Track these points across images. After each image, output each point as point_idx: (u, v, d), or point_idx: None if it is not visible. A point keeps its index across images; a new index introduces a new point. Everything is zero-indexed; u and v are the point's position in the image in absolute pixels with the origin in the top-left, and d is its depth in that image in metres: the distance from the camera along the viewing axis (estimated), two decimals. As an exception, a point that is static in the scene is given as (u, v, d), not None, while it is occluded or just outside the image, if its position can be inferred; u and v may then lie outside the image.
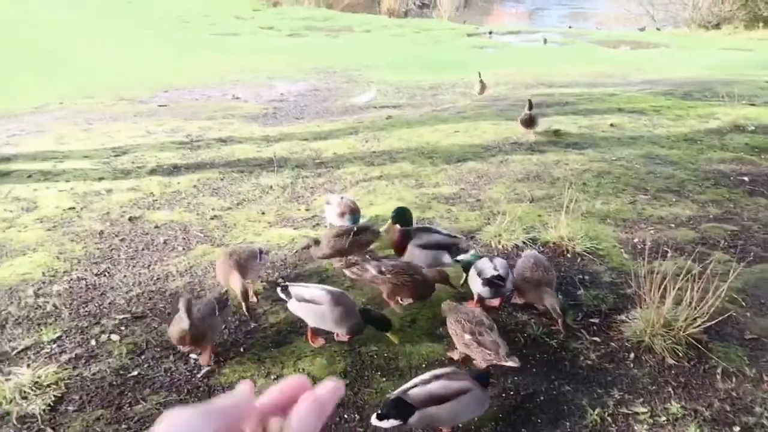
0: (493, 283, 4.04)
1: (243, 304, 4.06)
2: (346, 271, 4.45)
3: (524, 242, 5.35)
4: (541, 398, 3.52)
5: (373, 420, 3.05)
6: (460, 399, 3.04)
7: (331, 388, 0.80)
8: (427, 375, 3.19)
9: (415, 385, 3.10)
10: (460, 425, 3.28)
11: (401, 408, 2.99)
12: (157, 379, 3.68)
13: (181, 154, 8.07)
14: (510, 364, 3.36)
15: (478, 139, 8.71)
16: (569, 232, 5.37)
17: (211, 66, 16.21)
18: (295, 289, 3.98)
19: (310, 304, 3.84)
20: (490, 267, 4.15)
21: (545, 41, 21.34)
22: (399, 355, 3.90)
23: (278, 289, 4.08)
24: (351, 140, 8.80)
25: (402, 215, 4.74)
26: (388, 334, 3.78)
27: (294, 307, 3.94)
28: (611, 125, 9.51)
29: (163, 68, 15.86)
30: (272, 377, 3.68)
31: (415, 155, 8.03)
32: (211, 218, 6.03)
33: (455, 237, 4.88)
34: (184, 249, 5.38)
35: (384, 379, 3.68)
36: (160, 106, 11.93)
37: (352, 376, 3.71)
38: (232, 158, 7.95)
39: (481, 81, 11.97)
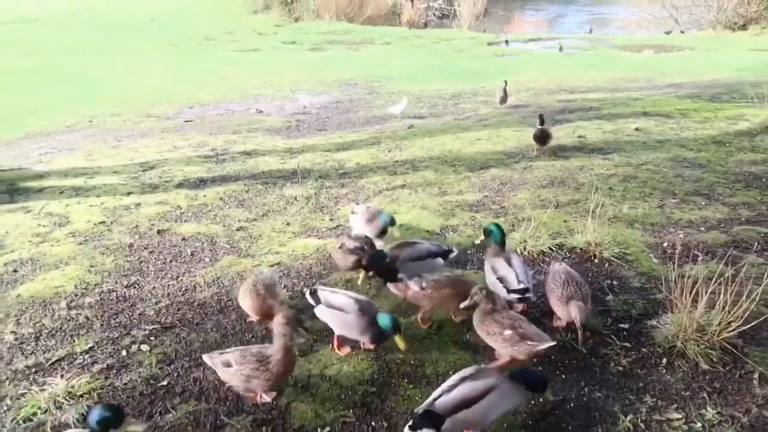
0: (521, 297, 4.07)
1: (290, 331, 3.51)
2: (390, 287, 4.35)
3: (551, 248, 5.29)
4: (571, 405, 3.46)
5: (406, 431, 3.01)
6: (488, 398, 3.04)
7: None
8: (453, 379, 3.17)
9: (442, 394, 3.08)
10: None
11: (432, 419, 2.97)
12: (186, 388, 3.72)
13: (207, 168, 8.20)
14: (549, 343, 3.48)
15: (500, 146, 8.67)
16: (596, 238, 5.30)
17: (235, 81, 16.49)
18: (324, 294, 3.99)
19: (337, 311, 3.86)
20: (513, 275, 4.13)
21: (561, 48, 21.10)
22: (426, 362, 3.88)
23: (307, 294, 4.10)
24: (373, 150, 8.84)
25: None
26: (395, 338, 3.69)
27: (321, 312, 3.95)
28: (636, 129, 9.39)
29: (189, 85, 16.18)
30: (299, 386, 3.69)
31: (437, 163, 8.03)
32: (237, 229, 6.10)
33: (441, 246, 4.83)
34: (211, 260, 5.45)
35: (411, 386, 3.66)
36: (186, 121, 12.16)
37: (379, 383, 3.70)
38: (256, 170, 8.05)
39: (505, 90, 11.73)
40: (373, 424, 3.38)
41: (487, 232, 4.49)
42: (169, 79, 16.73)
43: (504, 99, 11.81)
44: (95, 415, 2.80)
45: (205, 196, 7.09)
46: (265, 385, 3.39)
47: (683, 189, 6.78)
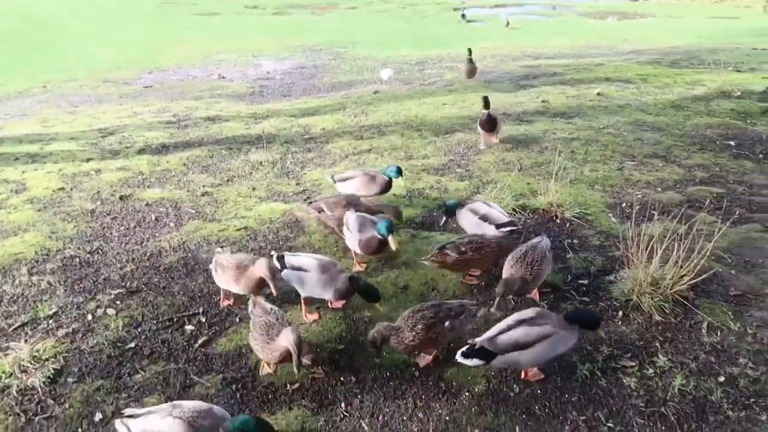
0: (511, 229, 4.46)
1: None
2: (426, 261, 4.33)
3: (514, 209, 5.40)
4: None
5: (458, 356, 3.20)
6: (541, 345, 3.19)
7: None
8: (512, 319, 3.31)
9: (500, 332, 3.24)
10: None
11: (484, 353, 3.18)
12: (155, 350, 3.72)
13: (169, 134, 8.03)
14: None
15: (466, 111, 8.72)
16: (558, 199, 5.43)
17: (195, 46, 16.04)
18: (289, 258, 4.02)
19: (300, 272, 3.89)
20: (497, 212, 4.58)
21: (507, 24, 19.50)
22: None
23: (274, 258, 4.12)
24: (339, 115, 8.79)
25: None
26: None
27: (287, 275, 3.99)
28: (598, 94, 9.55)
29: (147, 50, 15.67)
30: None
31: (403, 128, 8.04)
32: (202, 195, 6.04)
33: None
34: (176, 225, 5.40)
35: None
36: (146, 87, 11.83)
37: (347, 341, 3.77)
38: (220, 136, 7.93)
39: (471, 60, 10.26)
40: (341, 379, 3.46)
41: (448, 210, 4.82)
42: (127, 44, 16.16)
43: (472, 72, 10.46)
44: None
45: (167, 161, 6.97)
46: None
47: (642, 152, 6.97)
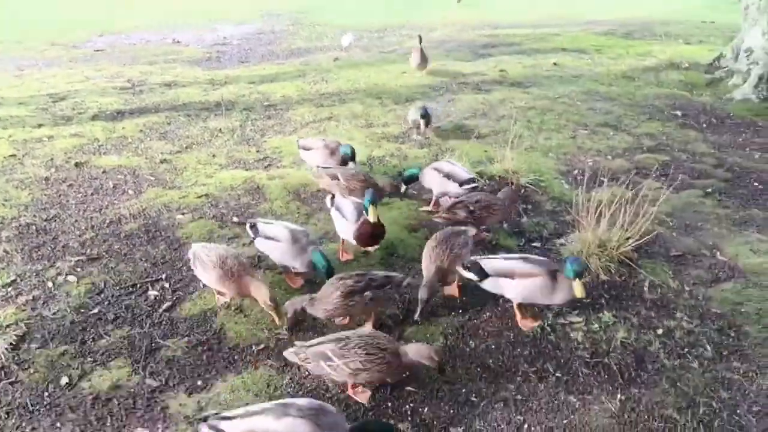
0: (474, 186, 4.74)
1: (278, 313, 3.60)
2: (438, 219, 4.40)
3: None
4: (487, 314, 3.79)
5: (459, 268, 3.67)
6: (524, 281, 3.51)
7: None
8: (518, 255, 3.86)
9: (501, 259, 3.70)
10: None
11: (479, 270, 3.62)
12: (119, 315, 3.75)
13: (124, 99, 7.84)
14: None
15: (426, 80, 8.79)
16: (513, 166, 5.62)
17: (148, 9, 15.49)
18: (262, 226, 4.05)
19: (272, 241, 3.94)
20: (459, 169, 4.84)
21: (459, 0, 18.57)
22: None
23: (248, 227, 4.14)
24: (299, 82, 8.73)
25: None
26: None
27: (260, 243, 4.03)
28: (554, 64, 9.75)
29: (97, 12, 15.06)
30: (232, 308, 3.82)
31: (363, 96, 8.06)
32: (161, 162, 5.97)
33: None
34: (135, 192, 5.35)
35: (341, 304, 3.86)
36: (97, 51, 11.42)
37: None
38: (177, 102, 7.79)
39: (422, 50, 8.68)
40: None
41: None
42: (75, 5, 15.47)
43: (423, 62, 8.71)
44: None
45: (123, 128, 6.83)
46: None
47: (594, 121, 7.22)
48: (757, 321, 3.73)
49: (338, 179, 4.84)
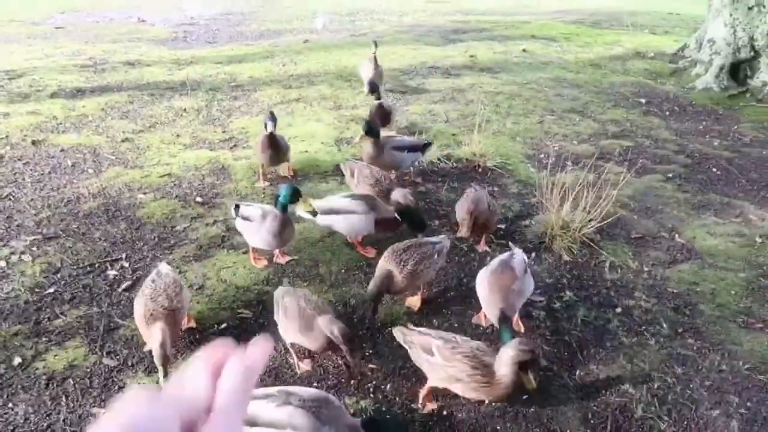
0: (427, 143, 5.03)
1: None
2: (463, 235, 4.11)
3: (439, 158, 5.57)
4: (452, 293, 3.82)
5: (297, 209, 3.95)
6: (346, 216, 3.94)
7: (258, 350, 0.70)
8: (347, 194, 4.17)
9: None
10: (379, 322, 3.51)
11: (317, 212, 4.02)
12: (76, 295, 3.66)
13: (85, 78, 7.61)
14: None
15: (396, 63, 8.75)
16: (481, 149, 5.64)
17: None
18: (243, 207, 3.95)
19: (246, 221, 3.87)
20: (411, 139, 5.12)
21: None
22: (320, 263, 4.07)
23: (231, 208, 4.04)
24: (267, 64, 8.60)
25: (371, 127, 4.82)
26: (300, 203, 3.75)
27: (238, 224, 3.95)
28: (524, 50, 9.80)
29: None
30: (194, 287, 3.76)
31: (333, 78, 7.99)
32: (122, 141, 5.83)
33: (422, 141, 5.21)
34: (95, 171, 5.21)
35: (305, 284, 3.84)
36: (57, 28, 11.05)
37: (274, 282, 3.84)
38: (141, 81, 7.59)
39: (375, 61, 6.93)
40: (269, 317, 3.54)
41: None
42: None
43: (374, 81, 5.93)
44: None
45: (84, 106, 6.64)
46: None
47: (561, 107, 7.29)
48: (712, 300, 3.84)
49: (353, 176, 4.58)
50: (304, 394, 2.53)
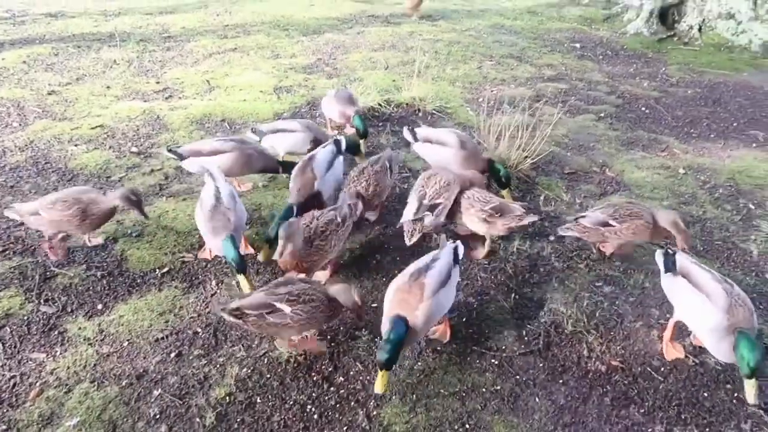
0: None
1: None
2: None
3: (380, 104, 5.58)
4: (391, 231, 3.90)
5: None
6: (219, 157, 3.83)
7: None
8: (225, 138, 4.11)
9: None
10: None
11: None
12: (8, 247, 3.54)
13: (3, 30, 7.16)
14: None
15: (335, 12, 8.60)
16: (421, 94, 5.68)
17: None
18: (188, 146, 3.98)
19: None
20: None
21: None
22: (262, 206, 4.07)
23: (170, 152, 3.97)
24: (201, 14, 8.29)
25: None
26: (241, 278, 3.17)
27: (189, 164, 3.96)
28: (463, -1, 9.81)
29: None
30: (133, 235, 3.70)
31: (270, 28, 7.80)
32: (49, 94, 5.56)
33: None
34: (20, 125, 4.97)
35: (247, 225, 3.84)
36: (-32, -21, 10.24)
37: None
38: (65, 33, 7.20)
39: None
40: (212, 260, 3.54)
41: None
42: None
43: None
44: None
45: (3, 59, 6.26)
46: None
47: (499, 53, 7.38)
48: (637, 226, 4.06)
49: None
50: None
